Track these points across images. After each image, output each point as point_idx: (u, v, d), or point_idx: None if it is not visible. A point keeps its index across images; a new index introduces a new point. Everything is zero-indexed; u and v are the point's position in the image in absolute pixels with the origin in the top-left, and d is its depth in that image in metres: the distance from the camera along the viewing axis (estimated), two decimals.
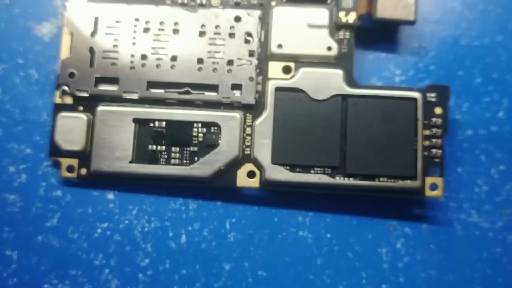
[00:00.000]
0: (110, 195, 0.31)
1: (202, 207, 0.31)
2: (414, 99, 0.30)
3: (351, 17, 0.31)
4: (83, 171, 0.30)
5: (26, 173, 0.31)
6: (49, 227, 0.31)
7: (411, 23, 0.31)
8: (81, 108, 0.30)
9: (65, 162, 0.30)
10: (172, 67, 0.30)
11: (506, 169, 0.32)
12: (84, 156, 0.30)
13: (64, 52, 0.31)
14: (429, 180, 0.29)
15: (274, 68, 0.31)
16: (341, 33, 0.31)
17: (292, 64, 0.31)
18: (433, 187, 0.29)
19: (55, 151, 0.30)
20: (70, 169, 0.30)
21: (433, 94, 0.30)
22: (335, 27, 0.31)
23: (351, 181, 0.29)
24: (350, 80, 0.30)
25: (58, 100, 0.31)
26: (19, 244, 0.31)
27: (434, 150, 0.29)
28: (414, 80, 0.32)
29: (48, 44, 0.33)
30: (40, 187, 0.31)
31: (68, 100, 0.31)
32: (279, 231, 0.31)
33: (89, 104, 0.30)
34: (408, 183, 0.29)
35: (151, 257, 0.31)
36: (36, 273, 0.30)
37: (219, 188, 0.30)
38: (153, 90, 0.30)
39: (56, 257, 0.31)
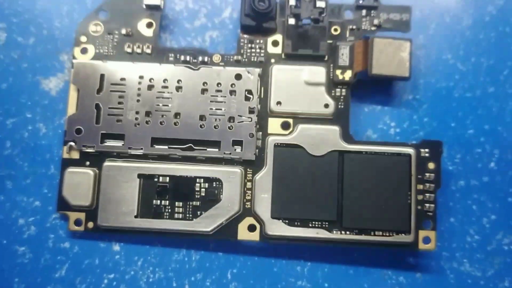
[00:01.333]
0: (116, 247, 0.32)
1: (204, 258, 0.32)
2: (408, 155, 0.31)
3: (348, 75, 0.32)
4: (90, 224, 0.31)
5: (35, 225, 0.32)
6: (58, 278, 0.32)
7: (405, 79, 0.32)
8: (88, 163, 0.32)
9: (73, 216, 0.31)
10: (176, 123, 0.31)
11: (497, 219, 0.33)
12: (90, 211, 0.31)
13: (71, 108, 0.32)
14: (422, 233, 0.31)
15: (274, 124, 0.32)
16: (338, 90, 0.32)
17: (290, 120, 0.32)
18: (426, 240, 0.31)
19: (63, 205, 0.31)
20: (77, 222, 0.31)
21: (426, 150, 0.31)
22: (332, 84, 0.32)
23: (347, 235, 0.30)
24: (347, 136, 0.31)
25: (65, 156, 0.32)
26: None
27: (427, 205, 0.31)
28: (409, 132, 0.34)
29: (55, 98, 0.34)
30: (48, 239, 0.32)
31: (76, 155, 0.32)
32: (279, 281, 0.32)
33: (95, 159, 0.32)
34: (402, 236, 0.30)
35: None
36: None
37: (221, 241, 0.32)
38: (157, 146, 0.31)
39: None
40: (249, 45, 0.33)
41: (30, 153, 0.33)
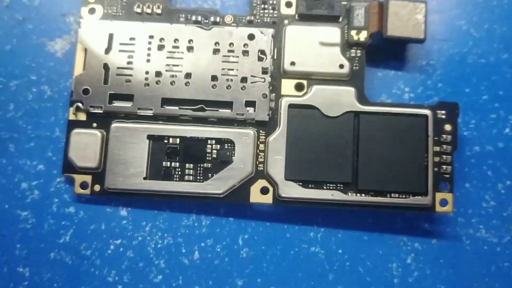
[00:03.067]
0: (123, 212, 0.31)
1: (215, 223, 0.31)
2: (425, 116, 0.30)
3: (363, 35, 0.31)
4: (97, 187, 0.30)
5: (38, 189, 0.31)
6: (62, 244, 0.31)
7: (420, 41, 0.31)
8: (95, 124, 0.31)
9: (79, 178, 0.30)
10: (187, 84, 0.30)
11: None
12: (97, 173, 0.30)
13: (78, 69, 0.31)
14: (439, 196, 0.30)
15: (287, 85, 0.31)
16: (353, 51, 0.31)
17: (304, 82, 0.31)
18: (443, 202, 0.30)
19: (69, 168, 0.30)
20: (83, 185, 0.30)
21: (443, 111, 0.30)
22: (347, 45, 0.31)
23: (363, 197, 0.30)
24: (362, 97, 0.31)
25: (71, 117, 0.31)
26: (32, 261, 0.31)
27: (444, 167, 0.30)
28: (423, 97, 0.33)
29: (61, 61, 0.33)
30: (52, 204, 0.31)
31: (82, 116, 0.31)
32: (291, 247, 0.31)
33: (103, 120, 0.31)
34: (419, 199, 0.30)
35: (164, 273, 0.31)
36: None
37: (232, 204, 0.31)
38: (167, 107, 0.30)
39: (69, 274, 0.31)
40: (262, 6, 0.32)
41: (34, 116, 0.32)
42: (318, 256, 0.31)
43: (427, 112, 0.30)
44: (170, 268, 0.31)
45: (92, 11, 0.32)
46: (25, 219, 0.31)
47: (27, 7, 0.33)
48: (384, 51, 0.33)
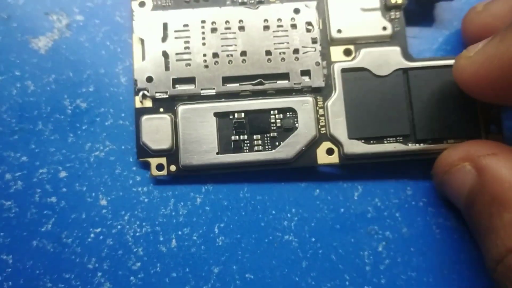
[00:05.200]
0: (103, 201, 0.32)
1: (191, 213, 0.32)
2: None
3: None
4: (173, 167, 0.32)
5: (21, 180, 0.32)
6: (44, 232, 0.32)
7: None
8: (161, 109, 0.32)
9: (154, 161, 0.32)
10: (243, 61, 0.32)
11: None
12: (171, 154, 0.32)
13: (137, 59, 0.33)
14: (491, 137, 0.32)
15: (336, 52, 0.33)
16: (392, 13, 0.34)
17: (351, 47, 0.33)
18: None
19: (143, 153, 0.32)
20: (159, 167, 0.32)
21: None
22: (386, 8, 0.33)
23: (422, 146, 0.32)
24: (407, 55, 0.33)
25: (138, 105, 0.32)
26: (15, 249, 0.32)
27: (492, 110, 0.32)
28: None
29: (44, 57, 0.34)
30: (35, 194, 0.32)
31: (148, 104, 0.32)
32: (266, 235, 0.32)
33: (168, 105, 0.32)
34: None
35: (142, 260, 0.32)
36: (31, 276, 0.31)
37: (301, 168, 0.32)
38: (228, 85, 0.32)
39: (50, 261, 0.31)
40: None
41: (17, 110, 0.33)
42: (292, 244, 0.32)
43: None
44: (148, 255, 0.32)
45: (142, 4, 0.33)
46: (9, 208, 0.32)
47: (12, 6, 0.35)
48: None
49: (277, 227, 0.32)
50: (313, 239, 0.32)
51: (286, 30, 0.33)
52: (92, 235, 0.32)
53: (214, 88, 0.32)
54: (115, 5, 0.35)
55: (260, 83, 0.32)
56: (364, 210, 0.33)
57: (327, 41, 0.33)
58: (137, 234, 0.32)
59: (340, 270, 0.32)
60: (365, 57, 0.32)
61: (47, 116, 0.33)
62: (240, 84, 0.32)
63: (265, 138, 0.32)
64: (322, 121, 0.32)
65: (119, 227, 0.32)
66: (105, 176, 0.33)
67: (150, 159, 0.32)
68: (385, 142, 0.32)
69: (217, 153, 0.31)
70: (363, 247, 0.32)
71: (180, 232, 0.32)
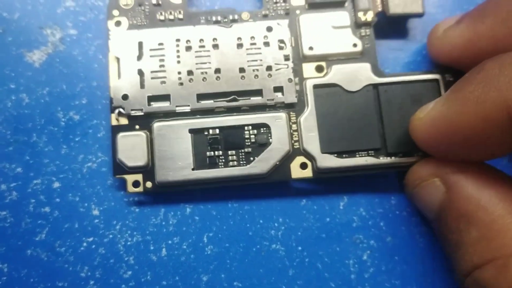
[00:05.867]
0: (96, 211, 0.33)
1: (181, 222, 0.33)
2: (436, 80, 0.33)
3: (369, 16, 0.34)
4: (149, 184, 0.32)
5: (16, 190, 0.33)
6: (38, 242, 0.32)
7: (420, 15, 0.35)
8: (137, 126, 0.33)
9: (130, 178, 0.32)
10: (217, 78, 0.33)
11: None
12: (147, 171, 0.32)
13: (113, 77, 0.33)
14: None
15: (308, 69, 0.34)
16: (362, 30, 0.35)
17: (323, 63, 0.34)
18: None
19: (119, 170, 0.32)
20: (135, 184, 0.32)
21: (449, 74, 0.34)
22: (356, 26, 0.35)
23: (393, 159, 0.33)
24: (377, 71, 0.34)
25: (114, 122, 0.33)
26: (10, 257, 0.32)
27: None
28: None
29: (38, 70, 0.35)
30: (29, 204, 0.33)
31: (124, 121, 0.33)
32: (253, 244, 0.33)
33: (144, 122, 0.33)
34: None
35: (133, 269, 0.32)
36: (25, 285, 0.32)
37: (275, 183, 0.33)
38: (202, 102, 0.33)
39: (44, 269, 0.32)
40: (273, 0, 0.35)
41: (12, 122, 0.34)
42: (278, 253, 0.33)
43: (437, 76, 0.33)
44: (139, 264, 0.32)
45: (118, 23, 0.34)
46: (4, 218, 0.33)
47: (7, 20, 0.35)
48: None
49: (264, 236, 0.33)
50: (299, 248, 0.33)
51: (259, 48, 0.33)
52: (84, 244, 0.32)
53: (189, 105, 0.33)
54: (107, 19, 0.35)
55: (234, 100, 0.33)
56: (349, 219, 0.34)
57: (299, 58, 0.34)
58: (128, 243, 0.33)
59: (326, 278, 0.33)
60: (337, 73, 0.33)
61: (41, 128, 0.34)
62: (214, 101, 0.33)
63: (240, 154, 0.32)
64: (295, 136, 0.33)
65: (111, 236, 0.33)
66: (97, 186, 0.33)
67: (126, 176, 0.32)
68: (357, 155, 0.33)
69: (193, 169, 0.32)
70: (348, 255, 0.33)
71: (170, 241, 0.33)
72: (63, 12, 0.36)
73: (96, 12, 0.36)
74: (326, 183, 0.34)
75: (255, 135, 0.33)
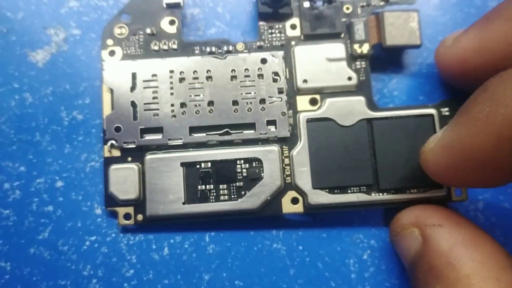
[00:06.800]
0: (98, 210, 0.33)
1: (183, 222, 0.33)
2: (431, 115, 0.33)
3: (365, 48, 0.34)
4: (139, 217, 0.32)
5: (19, 189, 0.34)
6: (41, 240, 0.33)
7: (417, 46, 0.34)
8: (129, 159, 0.33)
9: (122, 211, 0.32)
10: (210, 111, 0.33)
11: None
12: (138, 204, 0.32)
13: (106, 109, 0.33)
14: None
15: (302, 102, 0.34)
16: (358, 63, 0.34)
17: (317, 96, 0.34)
18: (458, 192, 0.33)
19: (111, 202, 0.32)
20: (127, 216, 0.32)
21: (446, 109, 0.33)
22: (352, 58, 0.34)
23: (385, 196, 0.32)
24: (372, 105, 0.33)
25: (107, 154, 0.33)
26: (13, 256, 0.33)
27: None
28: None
29: (42, 70, 0.35)
30: (33, 203, 0.33)
31: (116, 153, 0.33)
32: (255, 243, 0.33)
33: (136, 154, 0.33)
34: (436, 191, 0.32)
35: (135, 268, 0.33)
36: (28, 283, 0.32)
37: (267, 217, 0.33)
38: (195, 135, 0.33)
39: (47, 268, 0.33)
40: (269, 31, 0.34)
41: (16, 121, 0.34)
42: (280, 252, 0.33)
43: (432, 111, 0.33)
44: (141, 263, 0.33)
45: (112, 53, 0.34)
46: (7, 216, 0.33)
47: (11, 20, 0.36)
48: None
49: (266, 236, 0.33)
50: (300, 247, 0.33)
51: (253, 80, 0.33)
52: (87, 243, 0.33)
53: (181, 138, 0.33)
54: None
55: (227, 133, 0.33)
56: (350, 219, 0.34)
57: (293, 90, 0.34)
58: (131, 242, 0.33)
59: (326, 278, 0.33)
60: (330, 107, 0.33)
61: (44, 127, 0.34)
62: (207, 134, 0.33)
63: (231, 188, 0.32)
64: (287, 170, 0.33)
65: (113, 235, 0.33)
66: (100, 185, 0.34)
67: (117, 208, 0.32)
68: (349, 191, 0.32)
69: (183, 203, 0.32)
70: (348, 255, 0.33)
71: (172, 240, 0.33)
72: (67, 12, 0.36)
73: (99, 12, 0.36)
74: None
75: (247, 169, 0.33)
